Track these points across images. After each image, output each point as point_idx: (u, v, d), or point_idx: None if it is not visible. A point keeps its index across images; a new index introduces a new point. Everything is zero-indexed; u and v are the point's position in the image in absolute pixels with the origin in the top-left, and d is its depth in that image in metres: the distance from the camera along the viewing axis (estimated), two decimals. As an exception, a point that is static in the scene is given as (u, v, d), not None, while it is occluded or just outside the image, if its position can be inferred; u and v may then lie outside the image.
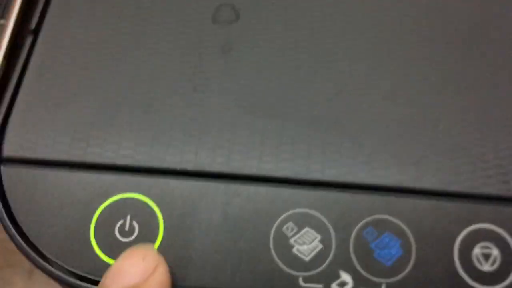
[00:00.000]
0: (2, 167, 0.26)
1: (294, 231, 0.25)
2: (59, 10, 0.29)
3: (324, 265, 0.25)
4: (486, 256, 0.25)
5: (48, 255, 0.24)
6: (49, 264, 0.24)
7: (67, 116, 0.27)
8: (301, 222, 0.25)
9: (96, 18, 0.29)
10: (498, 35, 0.30)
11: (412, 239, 0.25)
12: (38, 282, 0.45)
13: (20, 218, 0.25)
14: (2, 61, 0.28)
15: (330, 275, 0.25)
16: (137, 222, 0.25)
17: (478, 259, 0.25)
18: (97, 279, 0.24)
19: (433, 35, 0.30)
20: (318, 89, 0.28)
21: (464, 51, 0.29)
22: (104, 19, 0.29)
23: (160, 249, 0.25)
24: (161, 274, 0.22)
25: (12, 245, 0.25)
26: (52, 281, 0.25)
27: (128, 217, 0.25)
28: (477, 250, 0.25)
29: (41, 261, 0.24)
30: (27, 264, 0.29)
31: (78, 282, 0.24)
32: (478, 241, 0.25)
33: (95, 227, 0.25)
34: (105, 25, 0.29)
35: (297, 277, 0.25)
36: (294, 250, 0.25)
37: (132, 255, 0.23)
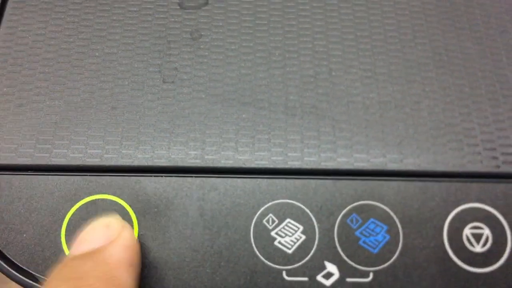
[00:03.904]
0: (-37, 175, 0.26)
1: (275, 223, 0.25)
2: (16, 5, 0.29)
3: (308, 257, 0.25)
4: (478, 237, 0.25)
5: (18, 264, 0.24)
6: (20, 273, 0.24)
7: (30, 118, 0.26)
8: (282, 213, 0.25)
9: (56, 11, 0.29)
10: (479, 10, 0.29)
11: (398, 224, 0.25)
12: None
13: (-14, 228, 0.25)
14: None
15: (315, 267, 0.24)
16: (110, 224, 0.25)
17: (469, 240, 0.25)
18: (70, 286, 0.24)
19: (412, 10, 0.29)
20: (293, 74, 0.28)
21: (443, 26, 0.29)
22: (65, 12, 0.29)
23: (136, 251, 0.24)
24: (126, 238, 0.23)
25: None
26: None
27: (100, 220, 0.25)
28: (467, 231, 0.25)
29: (11, 270, 0.24)
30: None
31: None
32: (468, 222, 0.25)
33: (66, 233, 0.24)
34: (66, 18, 0.29)
35: (280, 271, 0.24)
36: (276, 243, 0.25)
37: (96, 224, 0.24)
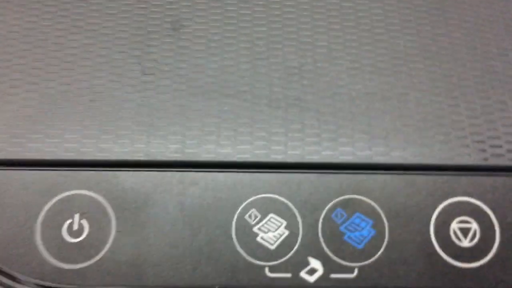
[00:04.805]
0: None
1: (258, 218, 0.25)
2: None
3: (291, 253, 0.24)
4: (465, 231, 0.25)
5: (-9, 262, 0.24)
6: (-7, 271, 0.24)
7: (4, 111, 0.26)
8: (265, 208, 0.25)
9: (32, 1, 0.28)
10: (468, 0, 0.29)
11: (384, 219, 0.25)
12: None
13: (-42, 224, 0.24)
14: None
15: (298, 263, 0.24)
16: (87, 220, 0.24)
17: (456, 235, 0.25)
18: (45, 284, 0.23)
19: (400, 0, 0.29)
20: (277, 65, 0.27)
21: (431, 17, 0.29)
22: (42, 2, 0.28)
23: (113, 248, 0.24)
24: None
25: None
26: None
27: (77, 216, 0.24)
28: (454, 225, 0.25)
29: (-16, 269, 0.24)
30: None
31: (26, 289, 0.23)
32: (455, 216, 0.25)
33: (41, 229, 0.24)
34: (43, 8, 0.28)
35: (263, 267, 0.24)
36: (259, 238, 0.24)
37: None
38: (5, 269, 0.24)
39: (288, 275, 0.24)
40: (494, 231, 0.25)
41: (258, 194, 0.25)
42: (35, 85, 0.26)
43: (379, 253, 0.24)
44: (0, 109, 0.26)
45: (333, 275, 0.24)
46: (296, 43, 0.28)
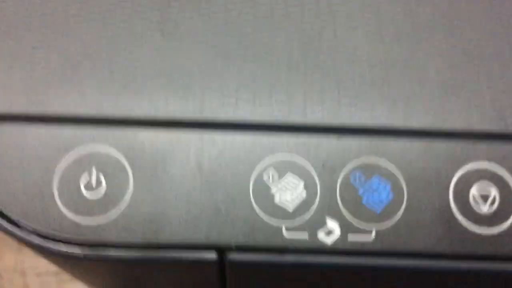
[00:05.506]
0: (-45, 125, 0.25)
1: (275, 178, 0.24)
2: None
3: (308, 213, 0.24)
4: (484, 197, 0.24)
5: (9, 215, 0.24)
6: (12, 223, 0.24)
7: (26, 68, 0.26)
8: (283, 168, 0.25)
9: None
10: None
11: (403, 182, 0.24)
12: (28, 255, 0.44)
13: (-24, 177, 0.24)
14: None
15: (316, 223, 0.24)
16: (104, 176, 0.24)
17: (475, 200, 0.24)
18: (63, 237, 0.23)
19: None
20: (297, 30, 0.27)
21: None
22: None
23: (130, 204, 0.24)
24: None
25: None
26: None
27: (94, 171, 0.24)
28: (474, 191, 0.24)
29: (1, 223, 0.24)
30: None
31: (43, 242, 0.23)
32: (475, 181, 0.25)
33: (59, 183, 0.24)
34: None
35: (280, 227, 0.24)
36: (276, 198, 0.24)
37: None
38: (23, 222, 0.24)
39: (305, 235, 0.24)
40: (513, 197, 0.24)
41: (276, 154, 0.25)
42: (55, 45, 0.26)
43: (397, 216, 0.24)
44: (21, 66, 0.26)
45: (350, 237, 0.24)
46: (315, 7, 0.28)
